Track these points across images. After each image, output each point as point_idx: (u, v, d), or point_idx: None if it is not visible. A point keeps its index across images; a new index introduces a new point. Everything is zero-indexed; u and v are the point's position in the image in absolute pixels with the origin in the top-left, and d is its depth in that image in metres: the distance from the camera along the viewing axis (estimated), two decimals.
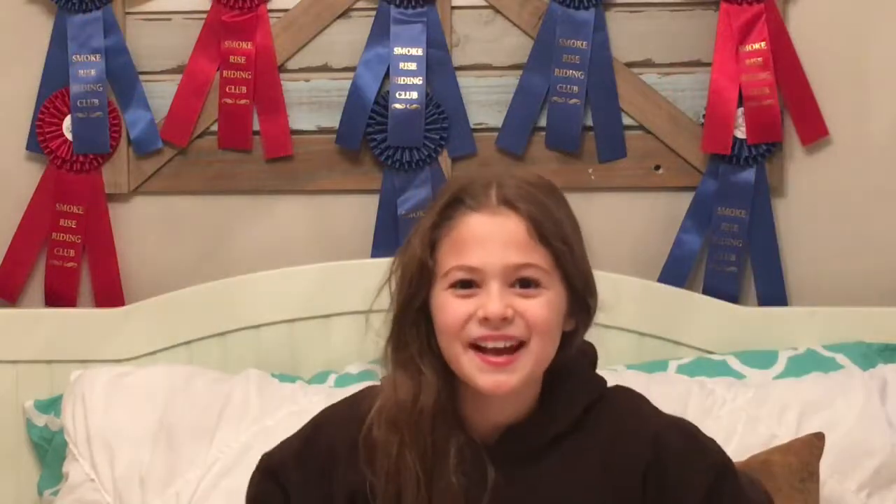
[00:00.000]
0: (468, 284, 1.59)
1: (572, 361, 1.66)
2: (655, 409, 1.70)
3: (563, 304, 1.61)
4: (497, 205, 1.59)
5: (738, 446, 2.22)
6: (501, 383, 1.57)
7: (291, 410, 2.29)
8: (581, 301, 1.63)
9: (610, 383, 1.72)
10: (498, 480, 1.59)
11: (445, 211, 1.61)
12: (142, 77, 2.61)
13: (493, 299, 1.56)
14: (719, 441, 2.20)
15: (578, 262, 1.62)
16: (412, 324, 1.62)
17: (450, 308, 1.58)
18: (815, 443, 2.13)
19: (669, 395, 2.27)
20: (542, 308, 1.58)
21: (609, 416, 1.65)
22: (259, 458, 1.77)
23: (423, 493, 1.58)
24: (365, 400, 1.67)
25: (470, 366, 1.58)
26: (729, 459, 1.68)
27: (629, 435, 1.64)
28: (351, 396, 1.74)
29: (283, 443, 1.75)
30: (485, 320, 1.57)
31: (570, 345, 1.65)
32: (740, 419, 2.26)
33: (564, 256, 1.60)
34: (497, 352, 1.58)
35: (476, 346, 1.58)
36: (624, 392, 1.71)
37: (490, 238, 1.58)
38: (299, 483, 1.69)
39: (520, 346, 1.58)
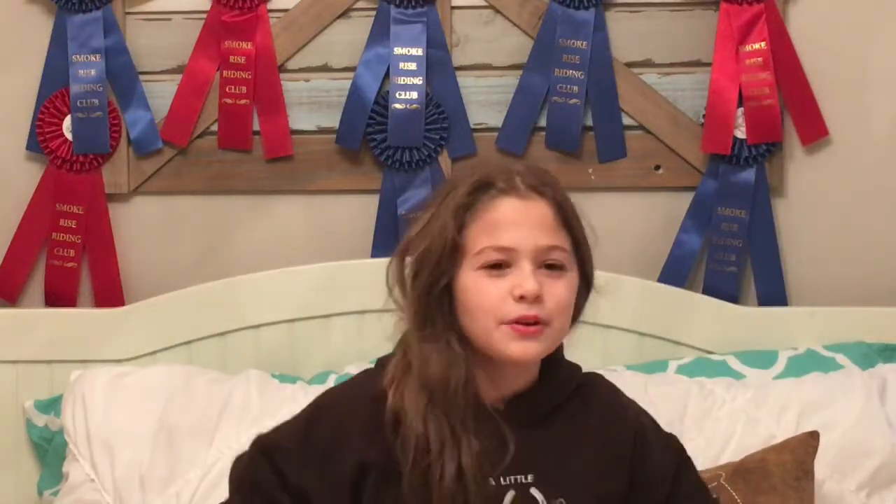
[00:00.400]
0: (499, 265, 1.66)
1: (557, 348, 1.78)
2: (622, 392, 1.83)
3: (577, 288, 1.71)
4: (525, 189, 1.68)
5: (738, 447, 2.22)
6: (528, 349, 1.66)
7: (292, 411, 2.27)
8: (587, 284, 1.73)
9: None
10: (516, 441, 1.67)
11: (474, 193, 1.68)
12: (142, 77, 2.61)
13: (528, 278, 1.65)
14: (718, 441, 2.22)
15: (588, 245, 1.73)
16: (438, 301, 1.68)
17: (484, 288, 1.66)
18: (809, 441, 2.13)
19: (669, 395, 2.27)
20: (565, 289, 1.68)
21: (594, 394, 1.78)
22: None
23: (457, 457, 1.64)
24: (371, 380, 1.72)
25: (502, 337, 1.66)
26: (682, 446, 1.82)
27: (618, 410, 1.77)
28: (351, 380, 1.79)
29: (280, 426, 1.77)
30: (521, 298, 1.65)
31: (572, 322, 1.75)
32: (739, 420, 2.26)
33: (581, 242, 1.71)
34: (527, 323, 1.66)
35: (508, 324, 1.66)
36: (598, 376, 1.82)
37: (522, 220, 1.67)
38: (299, 465, 1.70)
39: (545, 325, 1.67)
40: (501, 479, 1.67)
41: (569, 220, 1.69)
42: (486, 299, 1.66)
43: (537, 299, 1.65)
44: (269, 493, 1.71)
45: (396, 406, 1.67)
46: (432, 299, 1.68)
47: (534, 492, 1.68)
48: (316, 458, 1.70)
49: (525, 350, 1.66)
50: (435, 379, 1.66)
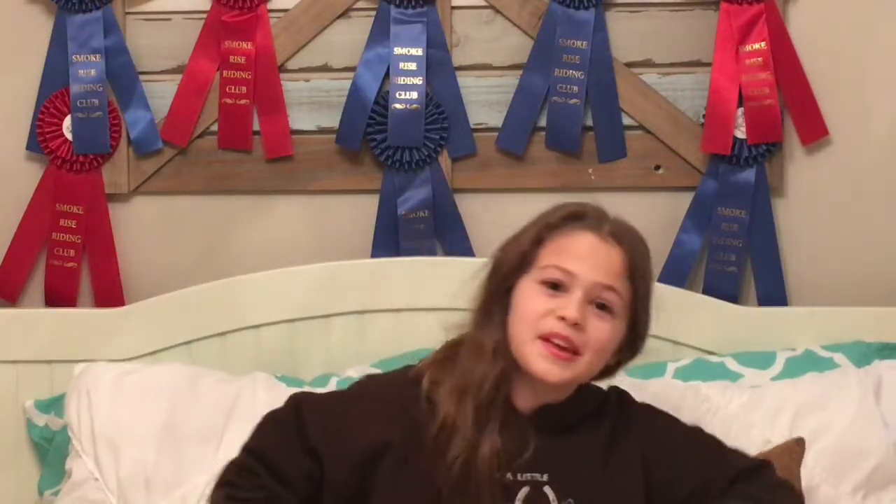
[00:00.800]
0: (557, 287, 1.81)
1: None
2: (648, 406, 1.98)
3: (620, 339, 1.85)
4: (607, 233, 1.84)
5: None
6: (552, 372, 1.80)
7: None
8: (633, 341, 1.87)
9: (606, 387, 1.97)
10: (535, 445, 1.80)
11: (566, 219, 1.85)
12: (142, 77, 2.61)
13: (574, 304, 1.79)
14: None
15: (648, 309, 1.87)
16: (500, 299, 1.84)
17: (535, 298, 1.81)
18: (794, 448, 2.13)
19: (663, 401, 2.26)
20: (606, 330, 1.82)
21: (622, 402, 1.93)
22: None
23: (471, 441, 1.77)
24: (411, 368, 1.88)
25: (533, 351, 1.80)
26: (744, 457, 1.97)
27: (637, 417, 1.91)
28: (394, 370, 1.94)
29: (321, 393, 1.95)
30: (561, 319, 1.78)
31: (605, 377, 1.91)
32: (733, 425, 2.26)
33: (641, 298, 1.85)
34: (560, 347, 1.79)
35: (545, 338, 1.79)
36: (617, 389, 1.96)
37: (592, 255, 1.82)
38: (322, 424, 1.83)
39: (575, 353, 1.80)
40: (519, 474, 1.80)
41: (635, 275, 1.83)
42: (532, 309, 1.80)
43: (576, 326, 1.78)
44: (285, 439, 1.83)
45: (432, 384, 1.81)
46: (496, 298, 1.84)
47: (546, 490, 1.80)
48: (341, 425, 1.82)
49: (548, 371, 1.79)
50: (477, 369, 1.80)
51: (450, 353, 1.86)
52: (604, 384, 1.94)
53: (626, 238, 1.85)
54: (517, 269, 1.84)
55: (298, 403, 1.87)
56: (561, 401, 1.85)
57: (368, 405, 1.85)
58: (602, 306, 1.81)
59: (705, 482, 1.87)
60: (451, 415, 1.78)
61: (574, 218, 1.85)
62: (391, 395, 1.85)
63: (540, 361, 1.79)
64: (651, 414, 1.95)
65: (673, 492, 1.86)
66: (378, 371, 2.39)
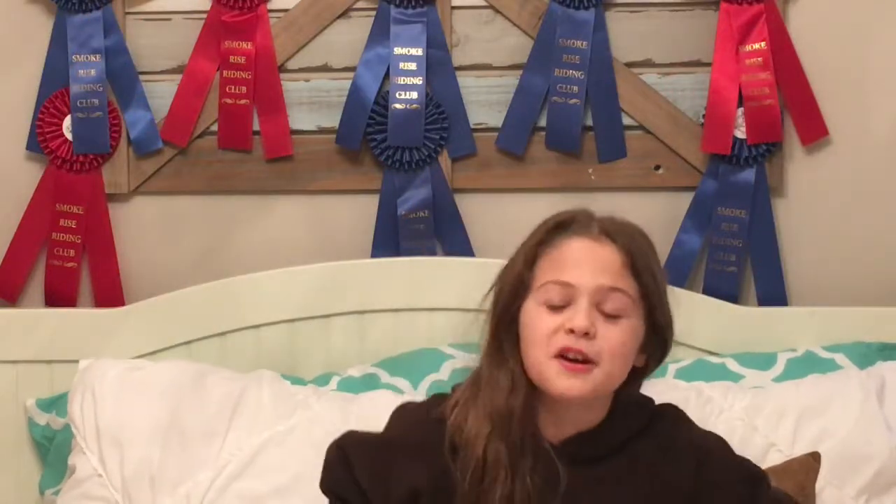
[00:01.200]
0: (561, 303, 1.73)
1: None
2: (693, 422, 1.87)
3: (640, 337, 1.77)
4: (598, 234, 1.76)
5: None
6: (574, 387, 1.71)
7: (305, 416, 2.28)
8: (659, 338, 1.79)
9: None
10: (568, 480, 1.72)
11: (551, 233, 1.78)
12: (142, 77, 2.61)
13: (581, 313, 1.72)
14: None
15: (663, 300, 1.78)
16: (507, 329, 1.77)
17: (540, 319, 1.74)
18: (811, 464, 2.13)
19: (667, 401, 2.26)
20: (621, 334, 1.74)
21: (664, 427, 1.81)
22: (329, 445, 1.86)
23: (509, 485, 1.70)
24: (438, 403, 1.81)
25: (550, 370, 1.72)
26: (764, 472, 1.86)
27: (681, 442, 1.80)
28: (425, 401, 1.88)
29: (362, 431, 1.87)
30: (570, 332, 1.71)
31: (639, 380, 1.82)
32: (737, 429, 2.25)
33: (651, 291, 1.76)
34: (575, 361, 1.72)
35: (559, 356, 1.72)
36: (673, 407, 1.87)
37: (587, 260, 1.75)
38: (367, 468, 1.78)
39: (590, 363, 1.72)
40: None
41: (637, 269, 1.75)
42: (541, 330, 1.73)
43: (587, 335, 1.71)
44: (342, 485, 1.79)
45: (457, 428, 1.74)
46: (502, 328, 1.77)
47: None
48: (381, 470, 1.77)
49: (570, 387, 1.71)
50: (500, 405, 1.73)
51: (472, 391, 1.78)
52: (653, 397, 1.86)
53: (619, 234, 1.77)
54: (517, 295, 1.76)
55: (342, 446, 1.82)
56: (596, 425, 1.77)
57: (401, 450, 1.79)
58: (611, 310, 1.74)
59: None
60: (481, 460, 1.71)
61: (561, 228, 1.78)
62: (420, 437, 1.78)
63: (559, 380, 1.71)
64: (707, 443, 1.83)
65: None
66: (383, 371, 2.40)
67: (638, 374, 1.81)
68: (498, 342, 1.77)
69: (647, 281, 1.76)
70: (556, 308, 1.73)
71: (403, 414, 1.85)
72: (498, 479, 1.70)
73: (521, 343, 1.76)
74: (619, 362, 1.74)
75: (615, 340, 1.73)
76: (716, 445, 1.83)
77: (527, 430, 1.73)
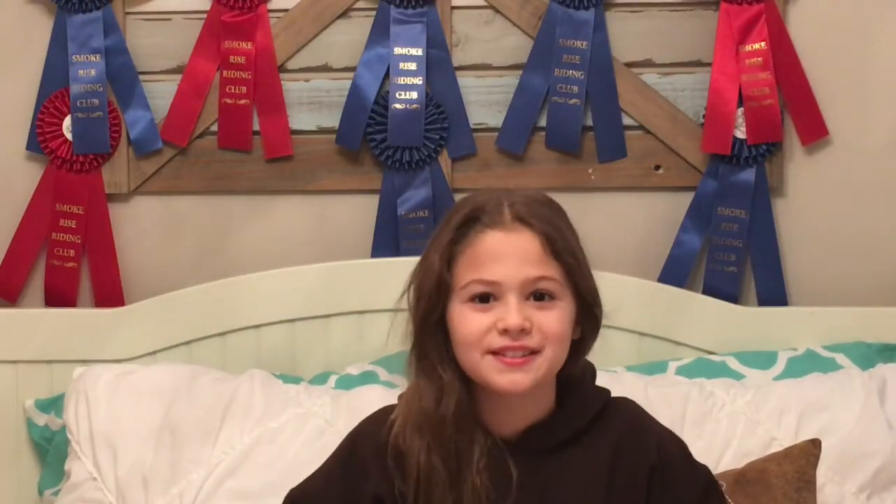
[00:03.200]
0: (486, 298, 1.68)
1: (579, 374, 1.77)
2: (653, 418, 1.82)
3: (573, 314, 1.71)
4: (511, 221, 1.69)
5: (738, 450, 2.22)
6: (517, 382, 1.67)
7: (296, 413, 2.29)
8: (588, 311, 1.72)
9: (609, 386, 1.82)
10: (521, 475, 1.68)
11: (461, 228, 1.70)
12: (142, 77, 2.61)
13: (512, 312, 1.66)
14: (718, 444, 2.22)
15: (586, 274, 1.72)
16: (431, 334, 1.71)
17: (469, 320, 1.68)
18: (811, 450, 2.13)
19: (668, 397, 2.27)
20: (556, 319, 1.68)
21: (617, 420, 1.76)
22: (284, 495, 1.81)
23: (451, 495, 1.67)
24: (387, 415, 1.75)
25: (488, 368, 1.67)
26: (714, 478, 1.81)
27: (637, 437, 1.75)
28: (378, 410, 1.81)
29: (309, 477, 1.81)
30: (504, 331, 1.66)
31: (580, 352, 1.75)
32: (739, 422, 2.26)
33: (574, 270, 1.70)
34: (514, 356, 1.67)
35: (494, 353, 1.67)
36: (627, 401, 1.82)
37: (507, 253, 1.68)
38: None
39: (534, 353, 1.67)
40: None
41: (558, 250, 1.68)
42: (471, 331, 1.67)
43: (523, 332, 1.66)
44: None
45: (395, 445, 1.71)
46: (426, 333, 1.71)
47: None
48: (342, 493, 1.74)
49: (513, 381, 1.67)
50: (429, 413, 1.69)
51: (407, 404, 1.73)
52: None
53: (533, 217, 1.68)
54: (439, 298, 1.69)
55: (295, 501, 1.79)
56: (547, 416, 1.73)
57: (359, 465, 1.74)
58: (541, 296, 1.68)
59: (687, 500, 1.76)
60: (423, 463, 1.67)
61: (470, 221, 1.69)
62: (372, 451, 1.73)
63: (501, 376, 1.67)
64: (655, 424, 1.80)
65: None
66: (382, 369, 2.40)
67: (577, 349, 1.75)
68: (422, 349, 1.71)
69: (569, 260, 1.69)
70: (484, 306, 1.68)
71: (357, 435, 1.79)
72: (440, 491, 1.67)
73: (454, 346, 1.70)
74: (559, 347, 1.69)
75: (552, 326, 1.67)
76: (675, 445, 1.79)
77: (465, 435, 1.68)
